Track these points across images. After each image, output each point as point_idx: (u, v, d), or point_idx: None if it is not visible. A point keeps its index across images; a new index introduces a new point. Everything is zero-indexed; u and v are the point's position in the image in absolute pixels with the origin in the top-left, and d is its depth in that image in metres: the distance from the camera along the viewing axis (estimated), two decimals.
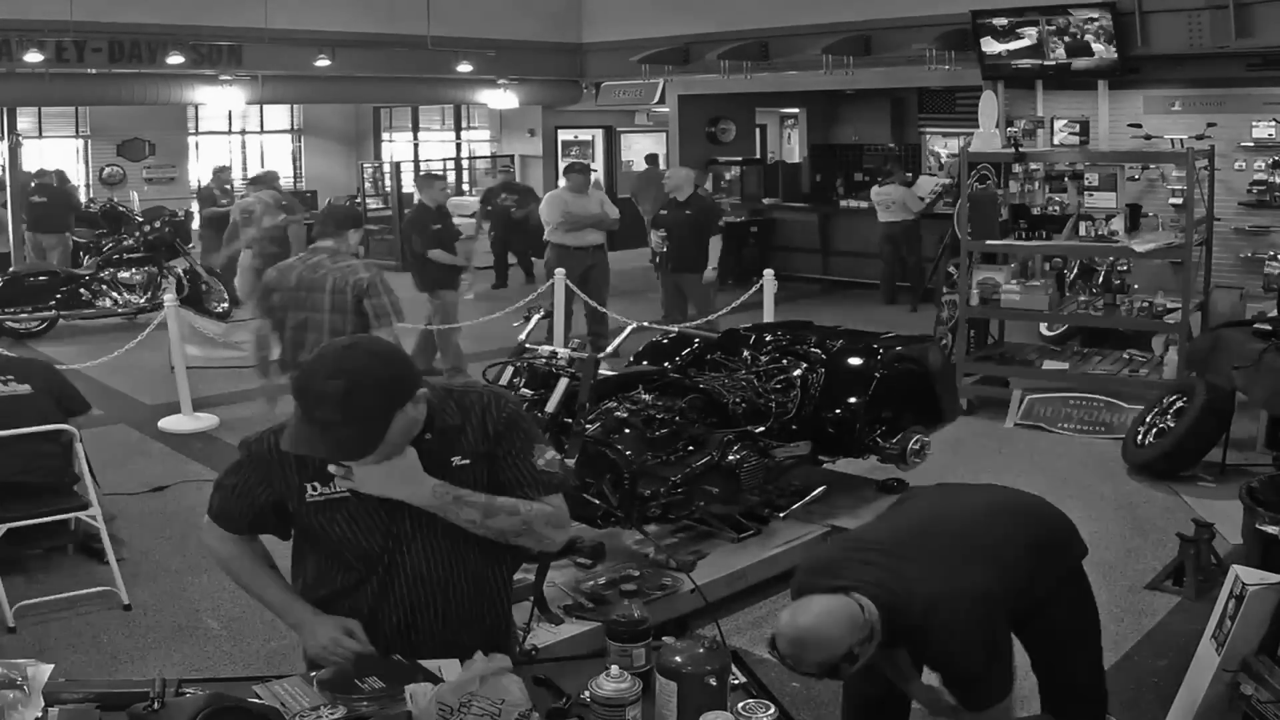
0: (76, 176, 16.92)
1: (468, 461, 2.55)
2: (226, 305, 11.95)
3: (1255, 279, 9.30)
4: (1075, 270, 9.26)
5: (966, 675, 2.90)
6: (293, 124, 19.95)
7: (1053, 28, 10.04)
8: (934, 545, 3.02)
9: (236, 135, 19.39)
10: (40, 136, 17.23)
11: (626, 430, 4.81)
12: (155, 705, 2.25)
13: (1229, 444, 6.73)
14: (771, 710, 2.37)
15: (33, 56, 12.03)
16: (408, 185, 18.89)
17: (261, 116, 19.38)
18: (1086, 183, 8.65)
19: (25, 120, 16.76)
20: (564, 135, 18.70)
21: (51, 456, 5.21)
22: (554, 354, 4.92)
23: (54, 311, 11.10)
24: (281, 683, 2.49)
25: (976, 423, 8.01)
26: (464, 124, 20.70)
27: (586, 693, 2.41)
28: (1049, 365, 8.39)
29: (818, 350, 5.65)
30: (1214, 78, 9.64)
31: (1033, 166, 9.15)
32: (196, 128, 18.65)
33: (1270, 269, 9.23)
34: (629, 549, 5.10)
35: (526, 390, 4.79)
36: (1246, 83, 9.45)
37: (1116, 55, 9.70)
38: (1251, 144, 9.48)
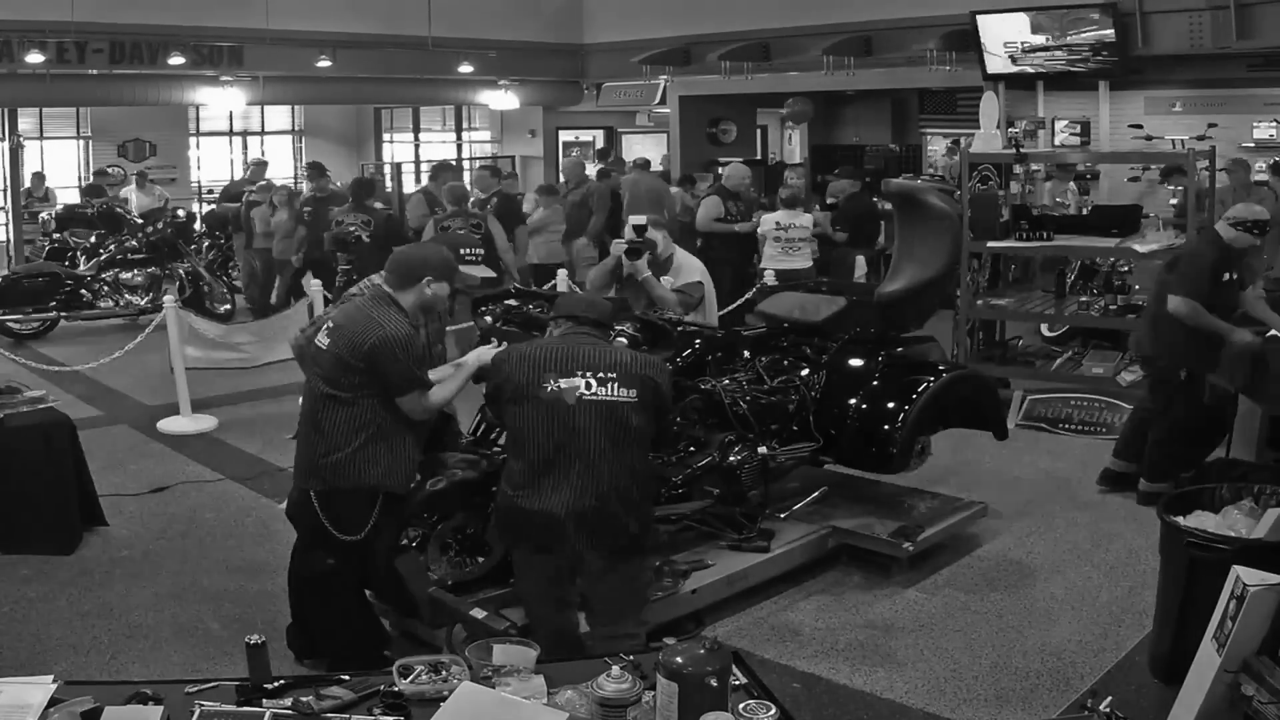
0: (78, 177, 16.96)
1: None
2: (230, 306, 11.93)
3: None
4: (1076, 270, 9.27)
5: None
6: (294, 125, 19.96)
7: (1054, 27, 10.05)
8: None
9: (237, 136, 19.40)
10: (41, 137, 17.23)
11: None
12: None
13: (1230, 445, 6.71)
14: (772, 711, 2.37)
15: (34, 57, 12.04)
16: (408, 186, 18.97)
17: (263, 117, 19.38)
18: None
19: (26, 121, 16.76)
20: (565, 136, 18.71)
21: None
22: None
23: (54, 312, 11.09)
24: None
25: None
26: (465, 125, 20.71)
27: None
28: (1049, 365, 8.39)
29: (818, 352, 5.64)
30: (1215, 78, 9.65)
31: (1034, 167, 9.17)
32: (197, 128, 18.65)
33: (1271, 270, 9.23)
34: None
35: None
36: (1247, 83, 9.46)
37: (1117, 56, 9.70)
38: (1252, 145, 9.49)
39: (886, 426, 5.34)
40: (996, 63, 10.48)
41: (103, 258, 11.56)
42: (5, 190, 16.22)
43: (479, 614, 4.04)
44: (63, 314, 11.18)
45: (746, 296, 9.47)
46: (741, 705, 2.39)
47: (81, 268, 11.59)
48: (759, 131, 17.55)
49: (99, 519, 6.01)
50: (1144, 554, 5.58)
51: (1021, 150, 9.41)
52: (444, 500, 4.48)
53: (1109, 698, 3.46)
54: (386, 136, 20.83)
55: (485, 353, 4.30)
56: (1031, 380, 8.30)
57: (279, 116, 19.65)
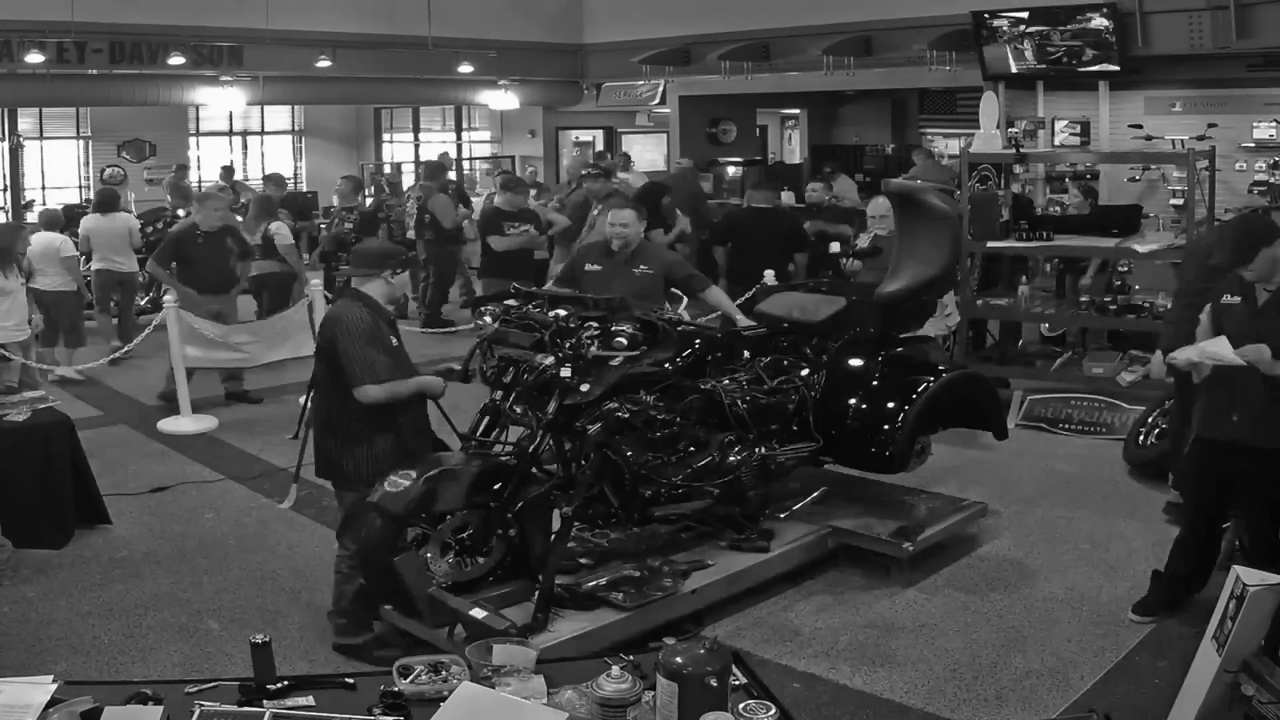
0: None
1: None
2: None
3: None
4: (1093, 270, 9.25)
5: None
6: (293, 125, 19.96)
7: (1054, 28, 10.04)
8: None
9: (237, 136, 19.40)
10: (41, 137, 17.23)
11: (629, 431, 4.81)
12: None
13: None
14: (772, 711, 2.37)
15: (34, 57, 12.04)
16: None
17: (262, 117, 19.39)
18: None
19: (26, 121, 16.77)
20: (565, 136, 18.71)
21: None
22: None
23: None
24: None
25: None
26: (465, 125, 20.71)
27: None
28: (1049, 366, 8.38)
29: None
30: (1215, 78, 9.64)
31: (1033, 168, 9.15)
32: (197, 129, 18.65)
33: None
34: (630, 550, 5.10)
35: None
36: (1247, 83, 9.45)
37: (1117, 56, 9.70)
38: (1252, 144, 9.48)
39: (886, 426, 5.34)
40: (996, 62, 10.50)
41: None
42: (5, 190, 16.25)
43: (479, 614, 4.04)
44: None
45: (746, 296, 9.45)
46: (741, 705, 2.39)
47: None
48: (759, 131, 17.55)
49: (102, 517, 6.02)
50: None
51: (1021, 150, 9.41)
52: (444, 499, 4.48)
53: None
54: (386, 136, 20.83)
55: (433, 381, 4.74)
56: (1031, 380, 8.30)
57: (279, 116, 19.65)
